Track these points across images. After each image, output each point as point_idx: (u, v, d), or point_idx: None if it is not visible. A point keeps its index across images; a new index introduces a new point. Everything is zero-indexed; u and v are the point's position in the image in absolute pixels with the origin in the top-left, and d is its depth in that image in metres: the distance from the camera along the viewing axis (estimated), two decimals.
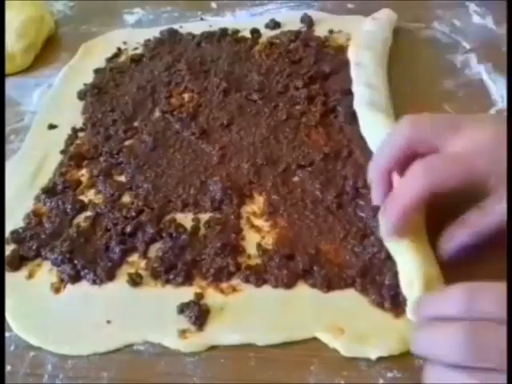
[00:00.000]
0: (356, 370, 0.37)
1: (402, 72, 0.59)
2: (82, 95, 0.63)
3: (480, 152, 0.37)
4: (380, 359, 0.37)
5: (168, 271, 0.44)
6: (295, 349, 0.39)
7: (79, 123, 0.60)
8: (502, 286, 0.30)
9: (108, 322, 0.42)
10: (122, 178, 0.53)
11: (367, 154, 0.49)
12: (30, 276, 0.46)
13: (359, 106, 0.53)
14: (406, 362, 0.37)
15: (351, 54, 0.60)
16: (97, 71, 0.66)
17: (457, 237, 0.38)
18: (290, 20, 0.70)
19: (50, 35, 0.75)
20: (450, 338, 0.30)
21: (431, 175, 0.37)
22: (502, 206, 0.36)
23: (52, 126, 0.59)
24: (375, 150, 0.45)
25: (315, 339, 0.39)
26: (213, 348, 0.39)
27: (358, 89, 0.55)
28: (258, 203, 0.48)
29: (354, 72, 0.57)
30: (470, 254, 0.38)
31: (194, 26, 0.72)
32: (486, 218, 0.37)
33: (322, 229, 0.45)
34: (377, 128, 0.50)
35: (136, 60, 0.68)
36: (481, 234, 0.37)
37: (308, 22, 0.68)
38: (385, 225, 0.40)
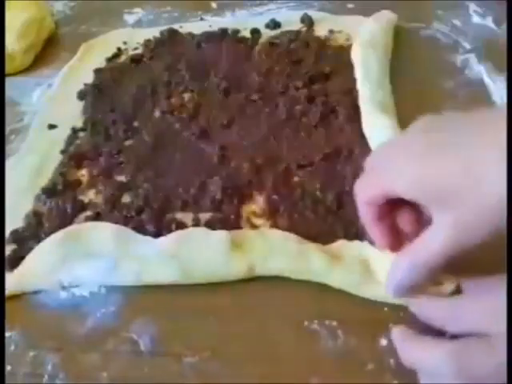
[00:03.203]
0: None
1: (401, 72, 0.59)
2: (82, 95, 0.63)
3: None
4: None
5: None
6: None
7: (79, 123, 0.60)
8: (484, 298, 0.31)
9: None
10: (122, 178, 0.53)
11: (367, 153, 0.49)
12: None
13: (364, 104, 0.53)
14: None
15: (354, 54, 0.60)
16: (97, 71, 0.66)
17: (397, 272, 0.35)
18: (290, 20, 0.70)
19: (50, 35, 0.75)
20: (436, 359, 0.32)
21: None
22: (435, 234, 0.32)
23: (52, 126, 0.59)
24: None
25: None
26: (213, 348, 0.39)
27: (362, 88, 0.55)
28: (258, 203, 0.48)
29: (358, 71, 0.57)
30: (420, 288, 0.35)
31: (194, 26, 0.72)
32: (423, 248, 0.33)
33: (322, 229, 0.45)
34: (379, 128, 0.50)
35: (136, 60, 0.68)
36: (422, 265, 0.33)
37: (308, 22, 0.68)
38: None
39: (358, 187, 0.37)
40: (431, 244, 0.32)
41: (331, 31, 0.67)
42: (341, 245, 0.43)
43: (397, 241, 0.37)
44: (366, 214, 0.37)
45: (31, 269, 0.44)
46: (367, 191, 0.36)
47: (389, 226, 0.37)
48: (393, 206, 0.36)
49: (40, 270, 0.44)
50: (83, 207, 0.50)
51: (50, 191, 0.51)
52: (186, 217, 0.48)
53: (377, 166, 0.36)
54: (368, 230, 0.38)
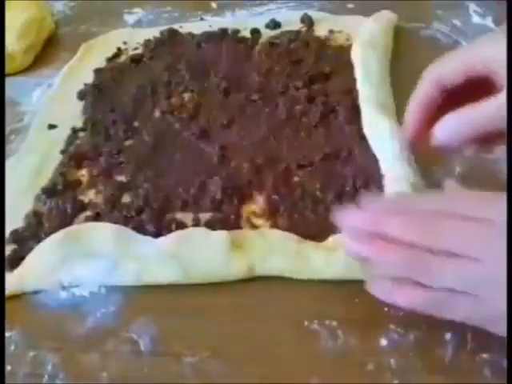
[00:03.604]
0: None
1: (401, 72, 0.59)
2: (82, 95, 0.63)
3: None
4: None
5: None
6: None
7: (79, 123, 0.60)
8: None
9: None
10: (122, 178, 0.53)
11: (367, 153, 0.49)
12: None
13: (364, 104, 0.53)
14: None
15: (354, 54, 0.60)
16: (97, 71, 0.66)
17: (450, 122, 0.39)
18: (290, 20, 0.70)
19: (50, 35, 0.75)
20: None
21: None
22: (498, 101, 0.37)
23: (52, 126, 0.59)
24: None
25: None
26: (213, 348, 0.39)
27: (362, 88, 0.55)
28: (258, 203, 0.48)
29: (358, 71, 0.57)
30: (461, 144, 0.40)
31: (194, 26, 0.72)
32: (479, 108, 0.38)
33: (322, 229, 0.45)
34: (379, 128, 0.50)
35: (136, 60, 0.68)
36: (472, 122, 0.38)
37: (308, 22, 0.68)
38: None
39: (433, 65, 0.41)
40: (487, 107, 0.37)
41: (331, 31, 0.67)
42: (336, 239, 0.43)
43: (422, 135, 0.41)
44: (422, 93, 0.41)
45: (31, 269, 0.44)
46: (445, 66, 0.40)
47: (428, 120, 0.41)
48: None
49: (40, 269, 0.44)
50: (83, 207, 0.50)
51: (50, 191, 0.52)
52: (186, 217, 0.48)
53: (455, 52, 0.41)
54: (411, 107, 0.42)
